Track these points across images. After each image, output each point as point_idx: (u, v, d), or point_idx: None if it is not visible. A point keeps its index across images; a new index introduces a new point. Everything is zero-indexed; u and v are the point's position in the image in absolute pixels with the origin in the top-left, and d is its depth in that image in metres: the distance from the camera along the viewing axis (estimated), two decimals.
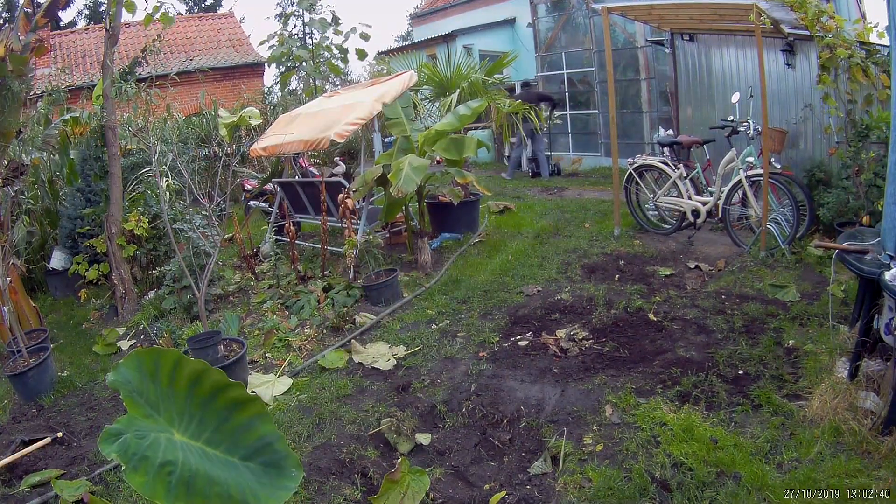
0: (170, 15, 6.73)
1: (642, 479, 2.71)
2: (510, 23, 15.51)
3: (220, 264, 6.64)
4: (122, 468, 1.76)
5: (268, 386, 4.05)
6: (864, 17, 8.28)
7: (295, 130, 7.00)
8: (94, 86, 8.37)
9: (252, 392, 3.97)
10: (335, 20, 13.29)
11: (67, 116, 7.95)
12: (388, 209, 6.26)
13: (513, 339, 4.43)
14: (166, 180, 7.07)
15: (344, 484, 2.99)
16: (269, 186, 8.61)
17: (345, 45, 13.38)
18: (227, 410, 2.05)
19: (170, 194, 6.86)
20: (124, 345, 5.41)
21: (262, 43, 14.83)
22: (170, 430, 1.95)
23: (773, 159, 5.47)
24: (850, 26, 5.87)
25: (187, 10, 26.71)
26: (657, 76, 10.86)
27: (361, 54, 14.14)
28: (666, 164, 6.45)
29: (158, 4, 6.65)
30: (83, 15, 26.71)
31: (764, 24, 5.24)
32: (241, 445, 2.02)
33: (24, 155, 7.54)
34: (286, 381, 4.12)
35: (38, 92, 9.60)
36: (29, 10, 5.29)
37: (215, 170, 5.74)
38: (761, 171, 5.39)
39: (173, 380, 2.01)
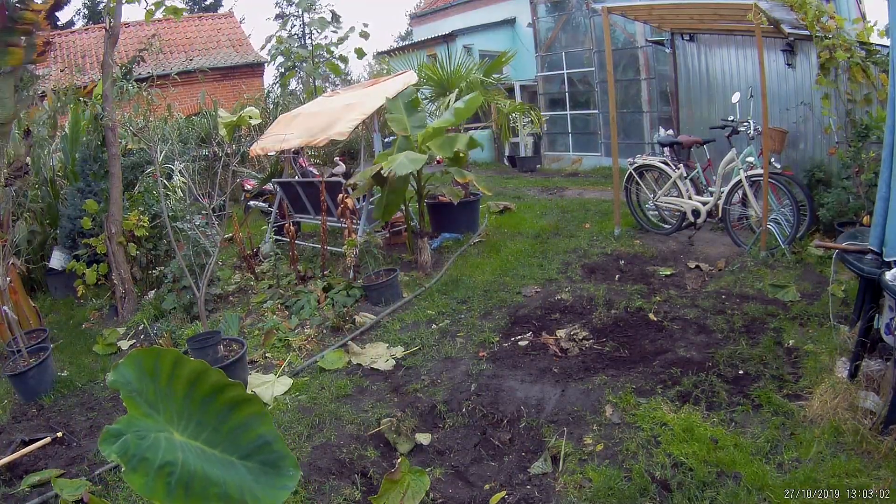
0: (178, 8, 6.71)
1: (642, 479, 2.71)
2: (510, 23, 15.53)
3: (220, 264, 6.64)
4: (122, 469, 1.75)
5: (267, 386, 4.05)
6: (864, 17, 8.29)
7: (295, 130, 7.00)
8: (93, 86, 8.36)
9: (252, 392, 3.97)
10: (335, 18, 13.31)
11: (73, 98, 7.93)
12: (386, 207, 6.17)
13: (513, 339, 4.43)
14: (176, 179, 7.08)
15: (344, 484, 2.99)
16: (269, 186, 8.61)
17: (345, 45, 13.43)
18: (226, 410, 2.05)
19: (179, 191, 6.87)
20: (124, 345, 5.41)
21: (263, 47, 14.93)
22: (169, 430, 1.94)
23: (773, 159, 5.47)
24: (850, 26, 5.87)
25: (187, 10, 26.69)
26: (657, 76, 10.87)
27: (360, 53, 14.19)
28: (666, 164, 6.45)
29: (159, 1, 6.64)
30: (82, 14, 26.72)
31: (769, 21, 5.23)
32: (240, 445, 2.02)
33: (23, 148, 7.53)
34: (286, 381, 4.12)
35: (41, 92, 9.59)
36: None
37: (215, 170, 5.74)
38: (761, 171, 5.39)
39: (172, 379, 2.00)
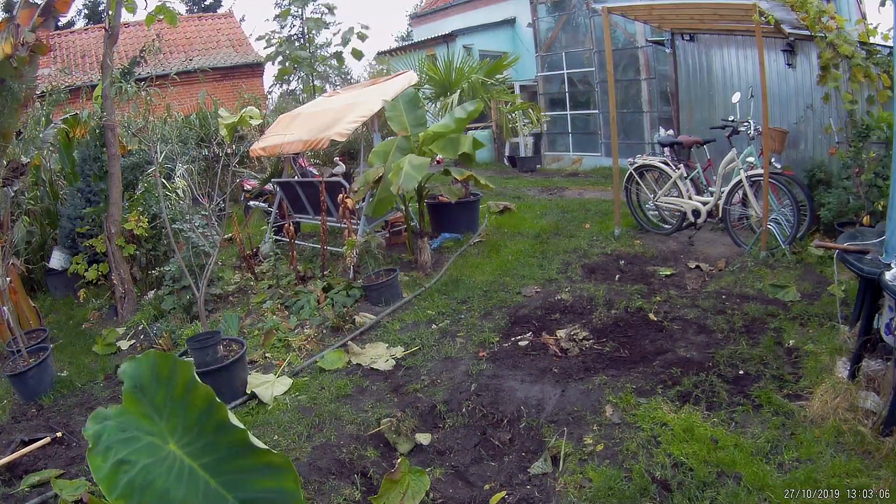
0: (175, 14, 6.71)
1: (643, 479, 2.71)
2: (510, 23, 15.53)
3: (219, 264, 6.64)
4: (89, 446, 1.79)
5: (267, 386, 4.05)
6: (864, 17, 8.29)
7: (295, 130, 6.99)
8: (94, 86, 8.36)
9: (251, 392, 3.97)
10: (330, 10, 13.28)
11: (67, 116, 7.95)
12: (377, 205, 6.16)
13: (513, 339, 4.43)
14: (176, 180, 7.09)
15: (344, 484, 2.99)
16: (269, 186, 8.61)
17: (343, 46, 13.44)
18: (242, 448, 1.94)
19: (181, 192, 6.87)
20: (124, 345, 5.41)
21: (259, 38, 14.95)
22: (165, 437, 1.90)
23: (773, 159, 5.47)
24: (850, 27, 5.86)
25: (187, 11, 26.69)
26: (657, 76, 10.86)
27: (357, 54, 14.18)
28: (666, 164, 6.44)
29: (161, 4, 6.64)
30: (82, 14, 26.71)
31: (768, 21, 5.23)
32: (245, 488, 1.90)
33: (23, 156, 7.54)
34: (286, 381, 4.11)
35: (38, 92, 9.59)
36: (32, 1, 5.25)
37: (215, 170, 5.75)
38: (762, 171, 5.39)
39: (190, 392, 1.95)
